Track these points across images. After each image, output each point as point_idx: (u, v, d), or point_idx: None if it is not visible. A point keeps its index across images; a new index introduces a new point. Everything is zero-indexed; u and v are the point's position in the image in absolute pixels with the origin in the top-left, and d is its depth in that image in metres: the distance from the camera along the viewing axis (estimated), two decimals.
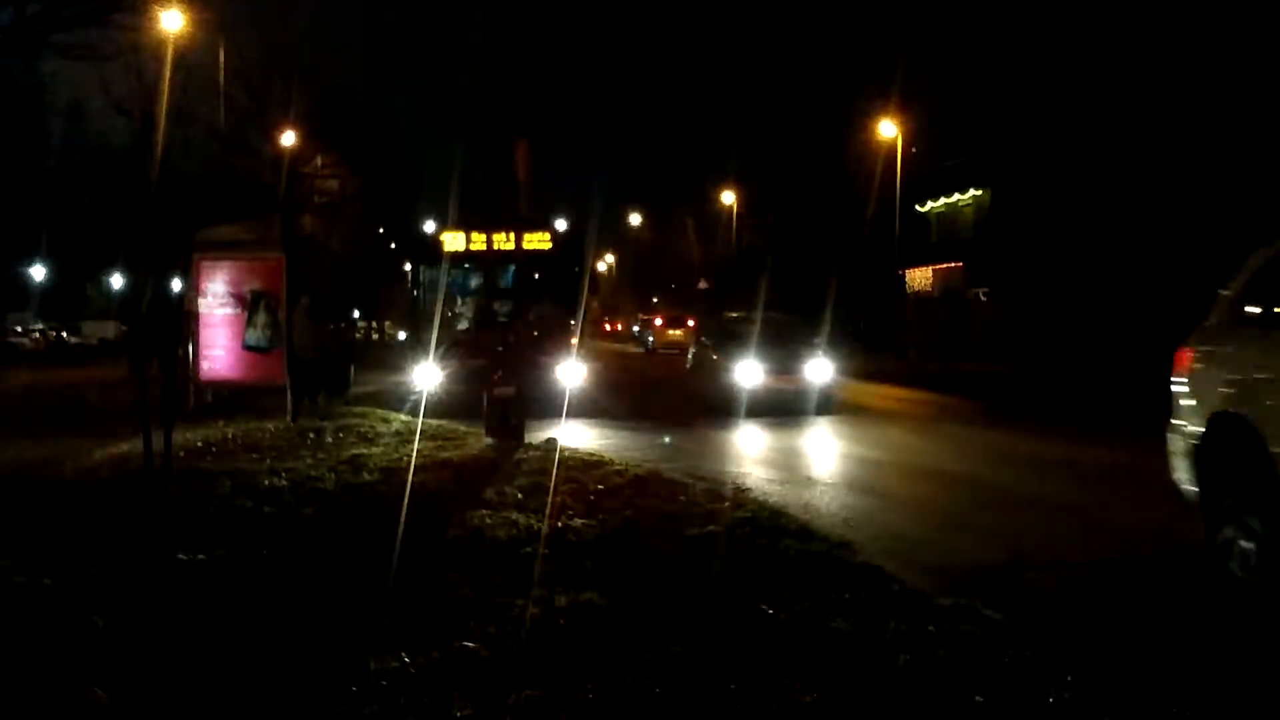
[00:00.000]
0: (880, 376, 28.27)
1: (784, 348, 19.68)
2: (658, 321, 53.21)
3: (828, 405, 18.85)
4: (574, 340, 19.00)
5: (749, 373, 19.01)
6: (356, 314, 37.22)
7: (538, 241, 17.71)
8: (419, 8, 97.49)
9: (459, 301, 19.03)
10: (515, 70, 17.41)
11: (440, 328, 17.67)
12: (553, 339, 18.62)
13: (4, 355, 44.85)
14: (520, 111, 17.49)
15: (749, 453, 14.73)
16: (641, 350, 52.17)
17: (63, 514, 8.69)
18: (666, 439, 15.37)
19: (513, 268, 17.61)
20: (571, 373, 18.37)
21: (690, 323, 51.23)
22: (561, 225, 18.98)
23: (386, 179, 56.56)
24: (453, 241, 17.24)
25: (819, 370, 19.16)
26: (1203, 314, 7.13)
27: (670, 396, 22.45)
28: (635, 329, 60.64)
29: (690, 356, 24.49)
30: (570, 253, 19.53)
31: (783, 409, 18.42)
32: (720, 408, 18.75)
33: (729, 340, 21.01)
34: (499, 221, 16.73)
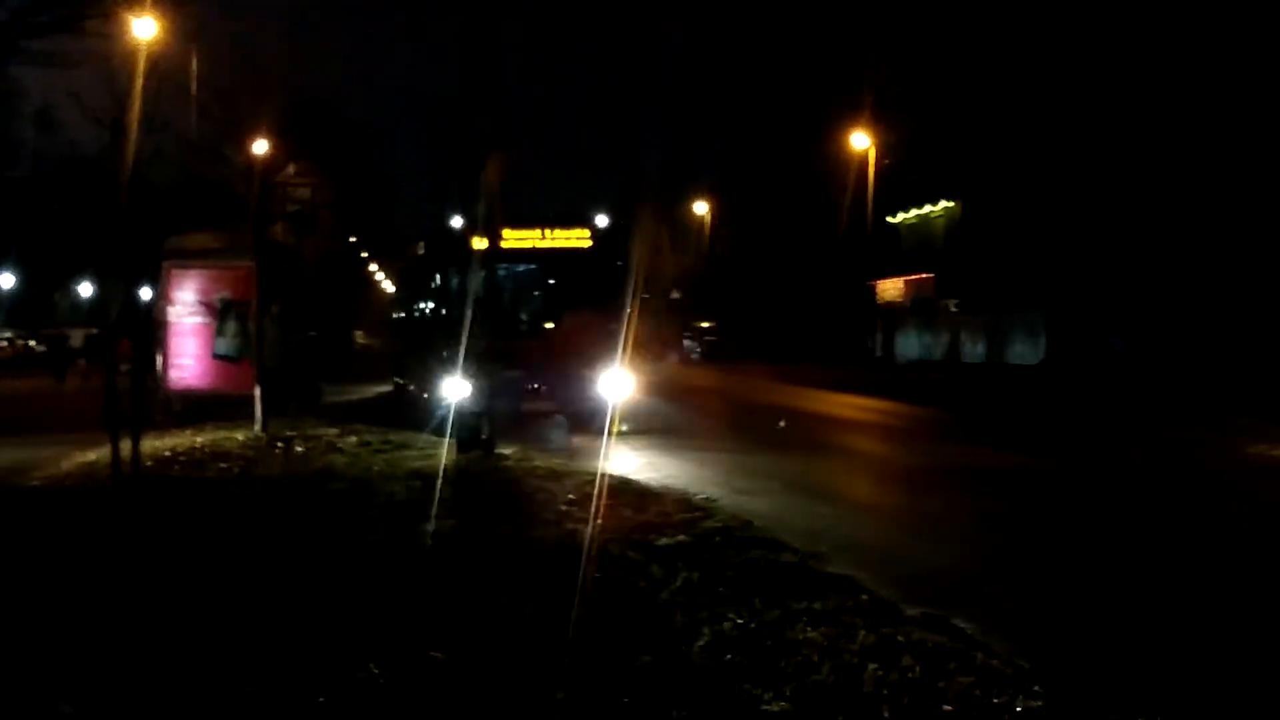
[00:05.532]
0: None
1: None
2: None
3: None
4: (617, 349, 15.43)
5: None
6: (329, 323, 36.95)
7: (575, 239, 15.77)
8: (396, 16, 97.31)
9: (479, 306, 17.36)
10: (489, 84, 16.96)
11: (450, 336, 15.77)
12: (593, 348, 15.54)
13: None
14: (494, 124, 17.05)
15: None
16: None
17: (29, 523, 8.63)
18: None
19: (542, 267, 15.57)
20: (616, 386, 15.10)
21: None
22: (602, 221, 16.76)
23: (360, 187, 56.34)
24: (477, 240, 15.38)
25: None
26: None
27: None
28: None
29: None
30: (612, 250, 17.04)
31: None
32: None
33: None
34: (527, 218, 15.09)
